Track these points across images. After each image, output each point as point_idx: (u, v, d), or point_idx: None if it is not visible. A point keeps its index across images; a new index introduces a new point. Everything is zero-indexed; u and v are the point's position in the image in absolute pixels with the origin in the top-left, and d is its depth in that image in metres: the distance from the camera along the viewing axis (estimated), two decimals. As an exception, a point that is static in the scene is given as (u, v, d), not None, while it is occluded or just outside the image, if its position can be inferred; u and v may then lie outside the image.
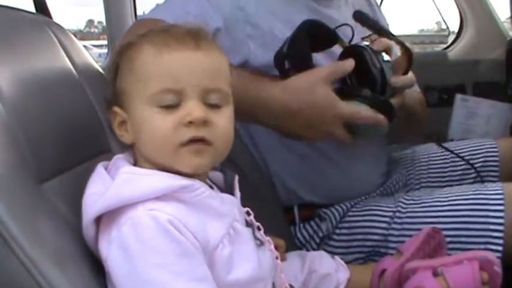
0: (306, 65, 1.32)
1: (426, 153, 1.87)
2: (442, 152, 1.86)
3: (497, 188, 1.45)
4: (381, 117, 1.29)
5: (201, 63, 0.90)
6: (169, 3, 1.52)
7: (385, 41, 1.37)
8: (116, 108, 0.92)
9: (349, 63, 1.29)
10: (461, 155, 1.81)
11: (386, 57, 1.36)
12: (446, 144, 1.92)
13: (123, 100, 0.92)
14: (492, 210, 1.39)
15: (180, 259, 0.83)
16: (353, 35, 1.42)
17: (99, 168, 0.93)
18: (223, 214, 0.93)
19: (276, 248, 1.06)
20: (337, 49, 1.40)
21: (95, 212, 0.85)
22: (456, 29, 2.62)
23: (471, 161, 1.79)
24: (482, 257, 1.15)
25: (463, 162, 1.80)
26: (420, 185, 1.80)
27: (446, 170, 1.81)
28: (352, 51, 1.34)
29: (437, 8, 2.82)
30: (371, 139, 1.56)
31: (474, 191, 1.48)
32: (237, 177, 1.03)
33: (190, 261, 0.83)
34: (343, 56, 1.36)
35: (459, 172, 1.80)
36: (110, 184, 0.88)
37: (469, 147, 1.84)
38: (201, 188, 0.89)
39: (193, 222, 0.85)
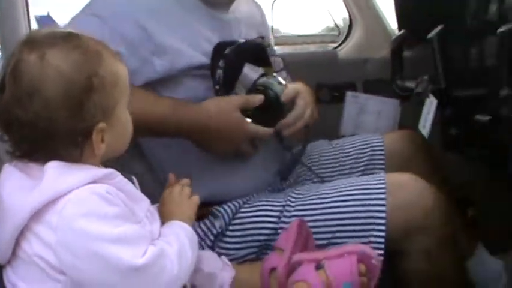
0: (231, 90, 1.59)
1: (317, 150, 1.94)
2: (332, 147, 1.93)
3: (380, 178, 1.54)
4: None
5: None
6: (74, 25, 1.53)
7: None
8: (101, 125, 1.02)
9: (259, 99, 1.57)
10: (350, 150, 1.90)
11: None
12: (337, 140, 2.00)
13: (106, 114, 1.02)
14: (375, 199, 1.48)
15: (124, 222, 0.97)
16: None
17: (9, 168, 1.02)
18: (142, 198, 1.08)
19: None
20: None
21: (33, 206, 0.94)
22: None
23: (359, 156, 1.88)
24: (361, 250, 1.23)
25: (351, 158, 1.88)
26: (312, 180, 1.86)
27: (337, 165, 1.89)
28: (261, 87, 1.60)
29: (328, 10, 2.92)
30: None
31: (358, 182, 1.58)
32: (135, 178, 1.15)
33: (132, 225, 0.99)
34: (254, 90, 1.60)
35: (348, 167, 1.88)
36: (29, 182, 0.98)
37: (357, 143, 1.93)
38: (119, 175, 1.03)
39: (123, 199, 1.00)
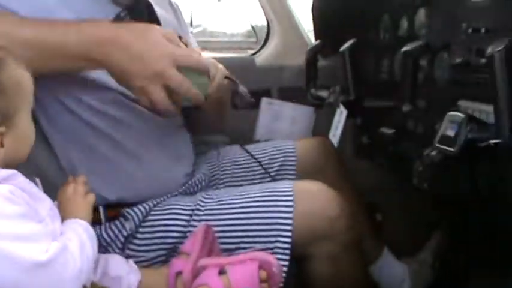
0: None
1: (231, 155, 1.96)
2: (246, 154, 1.96)
3: (287, 186, 1.57)
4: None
5: None
6: None
7: None
8: (1, 129, 1.04)
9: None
10: (263, 156, 1.93)
11: None
12: (251, 146, 2.03)
13: (6, 118, 1.05)
14: (282, 206, 1.51)
15: (27, 221, 0.99)
16: None
17: None
18: (44, 198, 1.09)
19: None
20: None
21: None
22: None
23: (271, 162, 1.91)
24: (262, 258, 1.27)
25: (264, 163, 1.92)
26: (224, 185, 1.88)
27: (249, 171, 1.92)
28: None
29: (247, 17, 2.95)
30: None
31: (267, 188, 1.60)
32: (38, 180, 1.15)
33: (35, 223, 1.00)
34: None
35: (260, 172, 1.92)
36: None
37: (270, 149, 1.97)
38: (21, 176, 1.04)
39: (26, 199, 1.01)
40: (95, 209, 1.56)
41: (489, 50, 1.26)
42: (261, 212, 1.52)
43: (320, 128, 2.47)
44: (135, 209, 1.57)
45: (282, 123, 2.51)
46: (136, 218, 1.56)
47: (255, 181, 1.90)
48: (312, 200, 1.56)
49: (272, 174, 1.92)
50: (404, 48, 1.65)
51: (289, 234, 1.48)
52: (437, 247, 2.16)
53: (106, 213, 1.58)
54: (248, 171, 1.93)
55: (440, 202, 2.05)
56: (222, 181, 1.90)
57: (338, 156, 2.06)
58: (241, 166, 1.94)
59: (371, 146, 2.20)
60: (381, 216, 2.44)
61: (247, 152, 1.95)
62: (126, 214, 1.57)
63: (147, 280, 1.33)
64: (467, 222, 2.02)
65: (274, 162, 1.94)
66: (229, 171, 1.92)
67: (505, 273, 1.72)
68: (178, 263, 1.35)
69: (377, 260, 2.06)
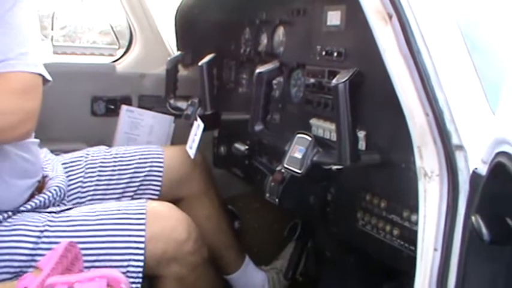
0: None
1: (98, 157, 1.93)
2: (112, 157, 1.94)
3: (140, 207, 1.58)
4: None
5: None
6: None
7: None
8: None
9: None
10: (131, 161, 1.92)
11: None
12: (117, 149, 2.01)
13: None
14: (135, 230, 1.52)
15: None
16: None
17: None
18: None
19: None
20: None
21: None
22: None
23: (139, 167, 1.91)
24: (110, 275, 1.27)
25: (130, 170, 1.91)
26: (86, 194, 1.85)
27: (114, 176, 1.90)
28: None
29: (110, 24, 2.91)
30: None
31: (120, 208, 1.59)
32: None
33: None
34: None
35: (125, 180, 1.91)
36: None
37: (138, 154, 1.96)
38: None
39: None
40: None
41: (334, 80, 1.33)
42: (114, 234, 1.51)
43: (179, 137, 2.48)
44: None
45: (141, 131, 2.50)
46: None
47: (120, 186, 1.90)
48: (163, 222, 1.58)
49: (139, 179, 1.93)
50: (258, 70, 1.71)
51: (141, 258, 1.50)
52: (293, 255, 2.24)
53: None
54: (114, 175, 1.91)
55: (292, 214, 2.14)
56: (84, 189, 1.86)
57: (204, 165, 2.10)
58: (107, 173, 1.92)
59: (227, 157, 2.25)
60: (239, 224, 2.49)
61: (116, 156, 1.93)
62: None
63: None
64: (315, 233, 2.12)
65: (142, 168, 1.94)
66: (94, 178, 1.89)
67: (354, 277, 1.83)
68: (28, 279, 1.30)
69: (238, 269, 2.12)
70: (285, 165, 1.44)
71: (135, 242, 1.50)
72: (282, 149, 1.53)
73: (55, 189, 1.70)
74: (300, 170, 1.39)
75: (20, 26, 1.50)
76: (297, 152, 1.41)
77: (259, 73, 1.69)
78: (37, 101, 1.47)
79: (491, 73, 1.04)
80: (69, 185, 1.83)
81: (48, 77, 1.52)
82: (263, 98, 1.65)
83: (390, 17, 0.94)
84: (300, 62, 1.80)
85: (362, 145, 1.44)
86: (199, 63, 1.97)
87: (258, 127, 1.66)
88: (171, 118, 2.48)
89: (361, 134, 1.43)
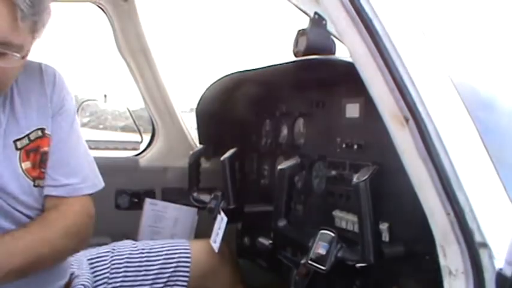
0: None
1: (124, 252, 1.94)
2: (139, 252, 1.94)
3: None
4: None
5: None
6: None
7: None
8: None
9: None
10: (157, 257, 1.93)
11: None
12: (143, 244, 2.02)
13: None
14: None
15: None
16: None
17: None
18: None
19: None
20: None
21: None
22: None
23: (166, 263, 1.91)
24: None
25: (157, 264, 1.91)
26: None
27: (141, 272, 1.90)
28: None
29: (132, 116, 2.98)
30: None
31: None
32: None
33: None
34: None
35: (152, 276, 1.90)
36: None
37: (165, 249, 1.96)
38: None
39: None
40: None
41: (355, 179, 1.35)
42: None
43: (203, 229, 2.49)
44: None
45: (165, 224, 2.51)
46: None
47: (146, 282, 1.89)
48: None
49: (166, 275, 1.91)
50: (279, 166, 1.73)
51: None
52: None
53: None
54: (140, 271, 1.91)
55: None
56: (110, 286, 1.86)
57: (231, 258, 2.09)
58: (134, 267, 1.91)
59: (252, 248, 2.24)
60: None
61: (142, 251, 1.94)
62: None
63: None
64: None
65: (169, 263, 1.93)
66: (120, 273, 1.89)
67: None
68: None
69: None
70: (309, 262, 1.44)
71: None
72: (305, 242, 1.54)
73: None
74: (324, 266, 1.40)
75: (80, 144, 1.63)
76: (321, 248, 1.42)
77: (281, 169, 1.71)
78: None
79: (507, 154, 1.06)
80: (94, 282, 1.83)
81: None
82: (285, 193, 1.67)
83: (407, 120, 0.96)
84: (320, 154, 1.82)
85: (386, 237, 1.44)
86: (221, 159, 2.00)
87: (282, 222, 1.67)
88: (194, 210, 2.50)
89: (384, 226, 1.43)
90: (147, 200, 2.52)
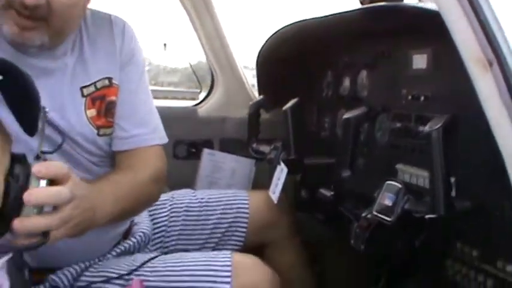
0: None
1: (183, 201, 1.95)
2: (198, 201, 1.95)
3: (226, 259, 1.56)
4: None
5: None
6: None
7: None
8: None
9: None
10: (217, 207, 1.93)
11: None
12: (202, 193, 2.02)
13: None
14: (220, 283, 1.50)
15: None
16: None
17: None
18: None
19: None
20: None
21: None
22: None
23: (225, 213, 1.92)
24: None
25: (216, 214, 1.91)
26: (170, 239, 1.87)
27: (199, 222, 1.91)
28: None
29: (191, 66, 2.96)
30: None
31: (205, 259, 1.57)
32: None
33: None
34: None
35: (211, 226, 1.91)
36: None
37: (224, 199, 1.96)
38: None
39: None
40: (20, 270, 1.51)
41: (427, 127, 1.30)
42: (198, 287, 1.50)
43: (260, 181, 2.49)
44: (61, 275, 1.51)
45: (223, 174, 2.52)
46: (62, 286, 1.50)
47: (205, 231, 1.91)
48: (247, 276, 1.55)
49: (225, 225, 1.93)
50: (345, 115, 1.69)
51: None
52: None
53: (31, 277, 1.50)
54: (199, 220, 1.93)
55: (376, 261, 2.08)
56: (168, 234, 1.88)
57: (289, 210, 2.09)
58: (193, 213, 1.94)
59: (309, 201, 2.22)
60: (318, 269, 2.45)
61: (201, 201, 1.95)
62: (51, 281, 1.50)
63: None
64: (402, 282, 2.05)
65: (228, 213, 1.95)
66: (179, 218, 1.91)
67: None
68: None
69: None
70: (375, 213, 1.41)
71: None
72: (368, 195, 1.50)
73: (140, 236, 1.72)
74: (390, 217, 1.36)
75: (149, 95, 1.64)
76: (387, 199, 1.38)
77: (347, 119, 1.67)
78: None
79: None
80: (153, 230, 1.85)
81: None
82: (351, 143, 1.63)
83: (491, 64, 0.91)
84: (385, 106, 1.77)
85: (453, 191, 1.39)
86: (283, 108, 1.97)
87: (345, 173, 1.64)
88: (252, 161, 2.49)
89: (451, 180, 1.39)
90: (205, 150, 2.52)
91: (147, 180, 1.51)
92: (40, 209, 1.05)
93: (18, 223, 1.01)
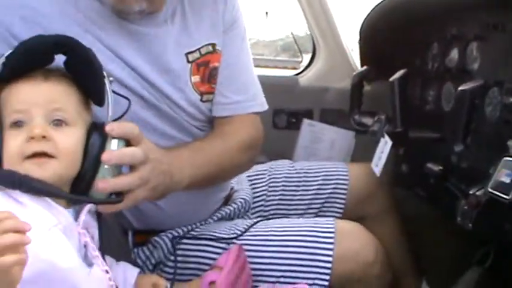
0: None
1: (282, 171, 1.95)
2: (296, 172, 1.95)
3: (329, 225, 1.55)
4: None
5: (46, 89, 1.07)
6: None
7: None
8: None
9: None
10: (316, 178, 1.92)
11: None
12: (301, 164, 2.01)
13: None
14: (322, 248, 1.50)
15: None
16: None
17: None
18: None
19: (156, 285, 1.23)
20: None
21: None
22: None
23: (324, 184, 1.90)
24: None
25: (315, 185, 1.90)
26: (269, 208, 1.89)
27: (298, 192, 1.90)
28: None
29: (293, 36, 2.94)
30: None
31: (307, 225, 1.57)
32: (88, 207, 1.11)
33: None
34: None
35: (309, 197, 1.90)
36: None
37: (323, 171, 1.95)
38: None
39: None
40: (125, 232, 1.55)
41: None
42: (301, 252, 1.50)
43: (359, 154, 2.45)
44: (164, 237, 1.55)
45: (322, 146, 2.49)
46: (164, 247, 1.54)
47: (303, 202, 1.91)
48: (351, 242, 1.55)
49: (324, 196, 1.92)
50: (461, 87, 1.62)
51: (327, 277, 1.47)
52: (471, 284, 2.12)
53: (134, 239, 1.57)
54: (298, 191, 1.93)
55: (480, 241, 2.02)
56: (268, 203, 1.89)
57: (388, 184, 2.05)
58: (292, 184, 1.94)
59: (410, 176, 2.17)
60: (416, 245, 2.40)
61: (299, 171, 1.96)
62: (154, 242, 1.56)
63: None
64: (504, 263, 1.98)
65: (327, 185, 1.94)
66: (278, 188, 1.92)
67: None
68: (211, 274, 1.36)
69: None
70: (490, 190, 1.35)
71: (323, 261, 1.48)
72: (478, 171, 1.44)
73: (241, 202, 1.74)
74: (508, 195, 1.30)
75: (250, 62, 1.66)
76: (504, 176, 1.32)
77: (462, 91, 1.61)
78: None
79: None
80: (253, 198, 1.86)
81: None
82: (465, 117, 1.57)
83: None
84: (497, 80, 1.69)
85: None
86: (390, 79, 1.91)
87: (458, 148, 1.58)
88: (352, 133, 2.46)
89: None
90: (305, 121, 2.51)
91: (234, 147, 1.52)
92: (115, 171, 1.12)
93: (102, 183, 1.09)
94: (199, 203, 1.60)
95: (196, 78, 1.52)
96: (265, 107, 1.66)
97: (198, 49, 1.52)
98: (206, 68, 1.53)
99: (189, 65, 1.50)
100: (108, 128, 1.10)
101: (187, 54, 1.50)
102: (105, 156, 1.09)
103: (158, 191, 1.23)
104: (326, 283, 1.47)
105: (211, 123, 1.59)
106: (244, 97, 1.59)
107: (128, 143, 1.13)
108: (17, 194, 0.99)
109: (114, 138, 1.11)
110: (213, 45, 1.54)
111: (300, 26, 2.88)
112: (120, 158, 1.12)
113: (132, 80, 1.42)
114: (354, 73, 2.34)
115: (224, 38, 1.57)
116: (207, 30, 1.55)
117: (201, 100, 1.53)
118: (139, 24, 1.41)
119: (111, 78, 1.17)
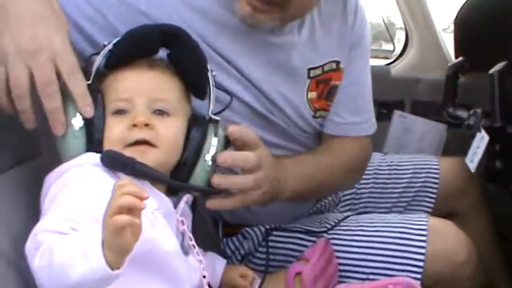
0: None
1: (373, 163, 1.91)
2: (387, 164, 1.92)
3: (422, 222, 1.50)
4: None
5: (150, 79, 1.08)
6: None
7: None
8: None
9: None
10: (406, 170, 1.88)
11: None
12: (391, 157, 1.98)
13: None
14: (415, 246, 1.45)
15: None
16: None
17: None
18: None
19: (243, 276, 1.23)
20: None
21: None
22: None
23: (414, 177, 1.87)
24: (405, 282, 1.23)
25: (405, 178, 1.87)
26: (360, 201, 1.87)
27: (388, 185, 1.88)
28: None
29: (385, 25, 2.89)
30: None
31: (399, 222, 1.53)
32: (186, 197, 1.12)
33: None
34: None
35: (399, 190, 1.87)
36: None
37: (413, 164, 1.91)
38: None
39: None
40: (216, 223, 1.57)
41: None
42: (393, 249, 1.46)
43: (449, 148, 2.39)
44: (255, 229, 1.56)
45: (412, 138, 2.45)
46: (255, 238, 1.54)
47: (394, 195, 1.88)
48: (444, 240, 1.49)
49: (414, 189, 1.88)
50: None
51: (419, 276, 1.42)
52: None
53: (223, 230, 1.57)
54: (388, 183, 1.90)
55: None
56: (358, 196, 1.88)
57: (480, 182, 1.98)
58: (383, 176, 1.91)
59: (506, 173, 2.09)
60: (508, 246, 2.32)
61: (390, 164, 1.93)
62: (245, 233, 1.56)
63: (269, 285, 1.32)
64: None
65: (417, 178, 1.89)
66: (370, 180, 1.89)
67: None
68: (298, 266, 1.35)
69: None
70: None
71: (414, 259, 1.43)
72: None
73: (332, 196, 1.74)
74: None
75: (369, 82, 1.63)
76: None
77: None
78: None
79: None
80: (343, 192, 1.85)
81: None
82: None
83: None
84: None
85: None
86: (490, 71, 1.85)
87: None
88: (444, 126, 2.39)
89: None
90: (396, 112, 2.46)
91: (340, 166, 1.49)
92: (214, 167, 1.12)
93: (218, 178, 1.11)
94: (293, 207, 1.60)
95: (313, 95, 1.47)
96: (375, 128, 1.62)
97: (322, 66, 1.46)
98: (326, 85, 1.48)
99: (309, 80, 1.46)
100: (231, 129, 1.12)
101: (309, 69, 1.45)
102: (221, 158, 1.10)
103: (266, 198, 1.23)
104: (417, 282, 1.43)
105: (319, 135, 1.57)
106: (359, 119, 1.56)
107: (227, 139, 1.14)
108: (121, 175, 1.00)
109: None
110: (337, 63, 1.49)
111: (392, 15, 2.82)
112: (234, 161, 1.13)
113: (246, 92, 1.38)
114: (449, 64, 2.27)
115: (349, 54, 1.51)
116: (334, 45, 1.48)
117: (314, 116, 1.50)
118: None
119: (214, 73, 1.17)
